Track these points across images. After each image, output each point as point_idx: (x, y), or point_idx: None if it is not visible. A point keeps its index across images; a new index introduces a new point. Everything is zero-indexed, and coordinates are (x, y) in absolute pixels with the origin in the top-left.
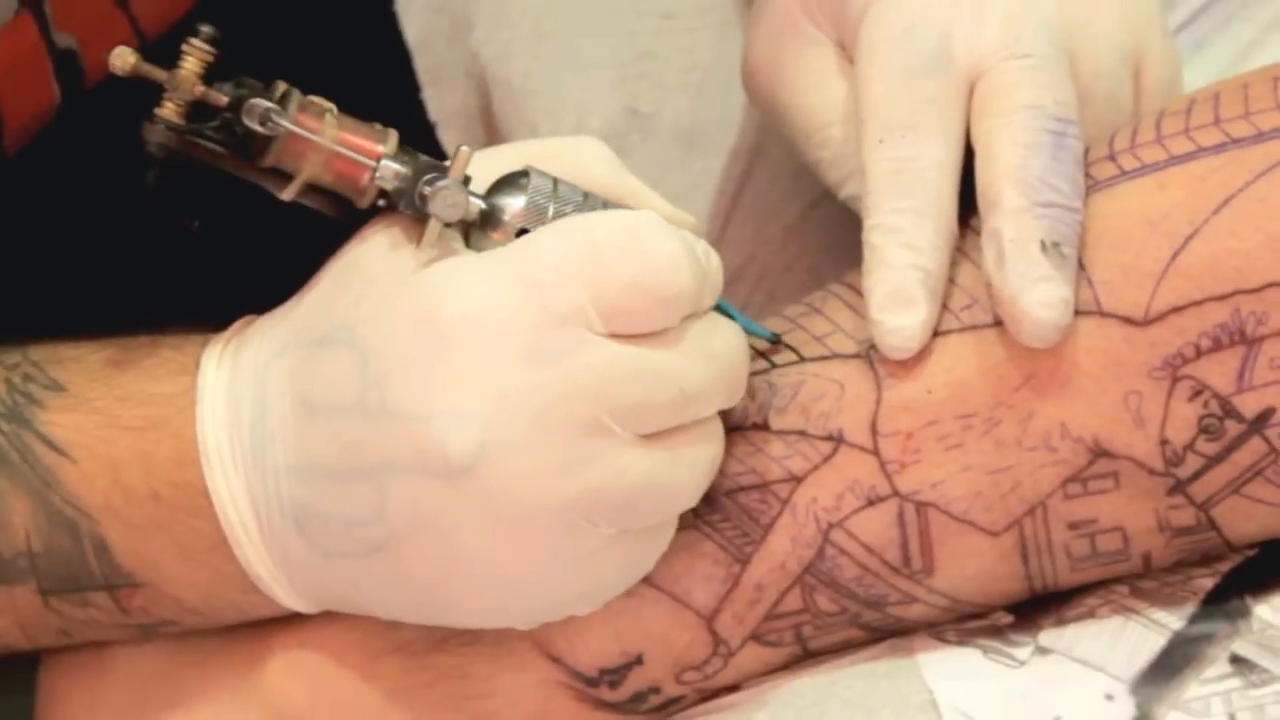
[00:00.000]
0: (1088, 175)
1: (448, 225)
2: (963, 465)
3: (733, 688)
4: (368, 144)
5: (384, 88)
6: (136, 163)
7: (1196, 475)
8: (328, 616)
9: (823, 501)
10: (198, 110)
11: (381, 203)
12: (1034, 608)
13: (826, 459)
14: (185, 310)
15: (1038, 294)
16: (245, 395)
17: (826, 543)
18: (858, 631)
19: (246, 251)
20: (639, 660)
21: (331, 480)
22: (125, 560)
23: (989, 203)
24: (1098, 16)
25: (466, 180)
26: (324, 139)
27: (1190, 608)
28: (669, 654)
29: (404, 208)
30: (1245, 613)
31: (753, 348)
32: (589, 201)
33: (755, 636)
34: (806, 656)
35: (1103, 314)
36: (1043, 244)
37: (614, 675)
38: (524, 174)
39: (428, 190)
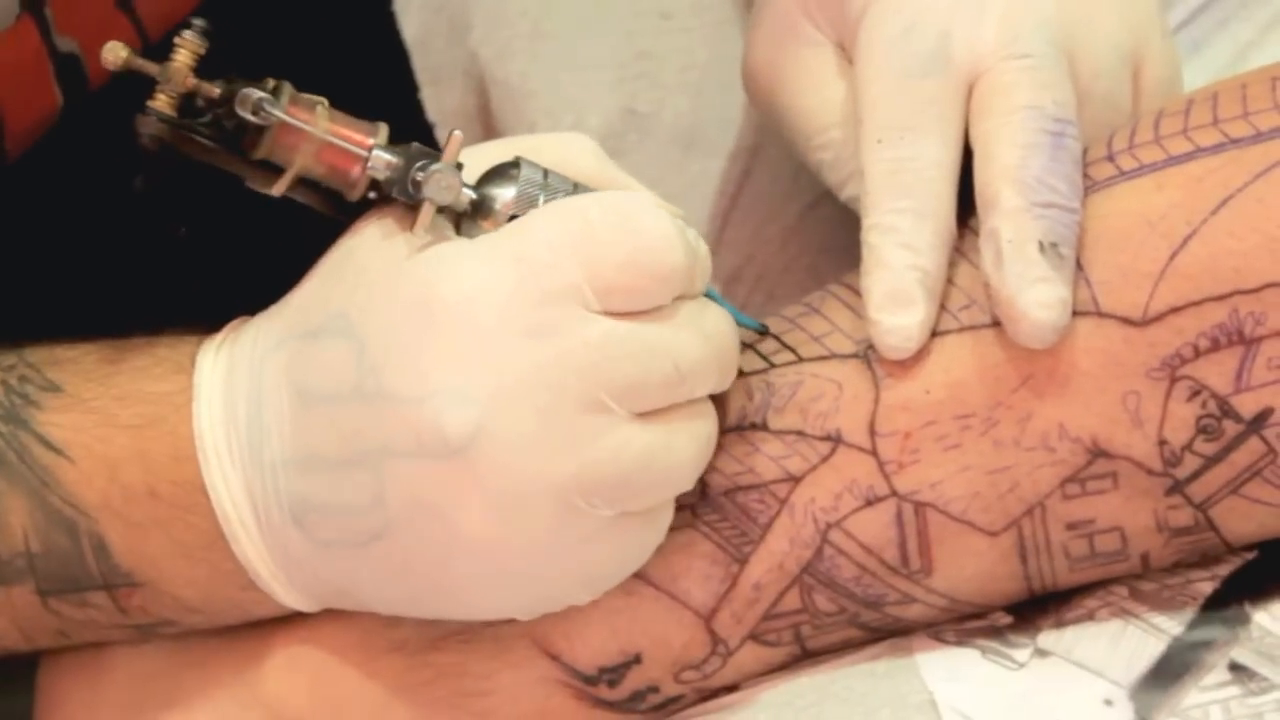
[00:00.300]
0: (1086, 175)
1: (440, 211)
2: (961, 465)
3: (732, 688)
4: (359, 135)
5: (382, 88)
6: (132, 167)
7: (1195, 475)
8: (327, 615)
9: (821, 501)
10: (190, 107)
11: (372, 195)
12: (1033, 609)
13: (825, 459)
14: (180, 314)
15: (1035, 295)
16: (241, 390)
17: (825, 543)
18: (856, 631)
19: (238, 255)
20: (637, 659)
21: (329, 470)
22: (124, 559)
23: (987, 203)
24: (1097, 16)
25: (459, 166)
26: (316, 129)
27: (1189, 613)
28: (667, 653)
29: (397, 194)
30: (1244, 620)
31: (744, 343)
32: (579, 191)
33: (754, 636)
34: (805, 656)
35: (1101, 314)
36: (1041, 244)
37: (612, 674)
38: (515, 164)
39: (420, 176)
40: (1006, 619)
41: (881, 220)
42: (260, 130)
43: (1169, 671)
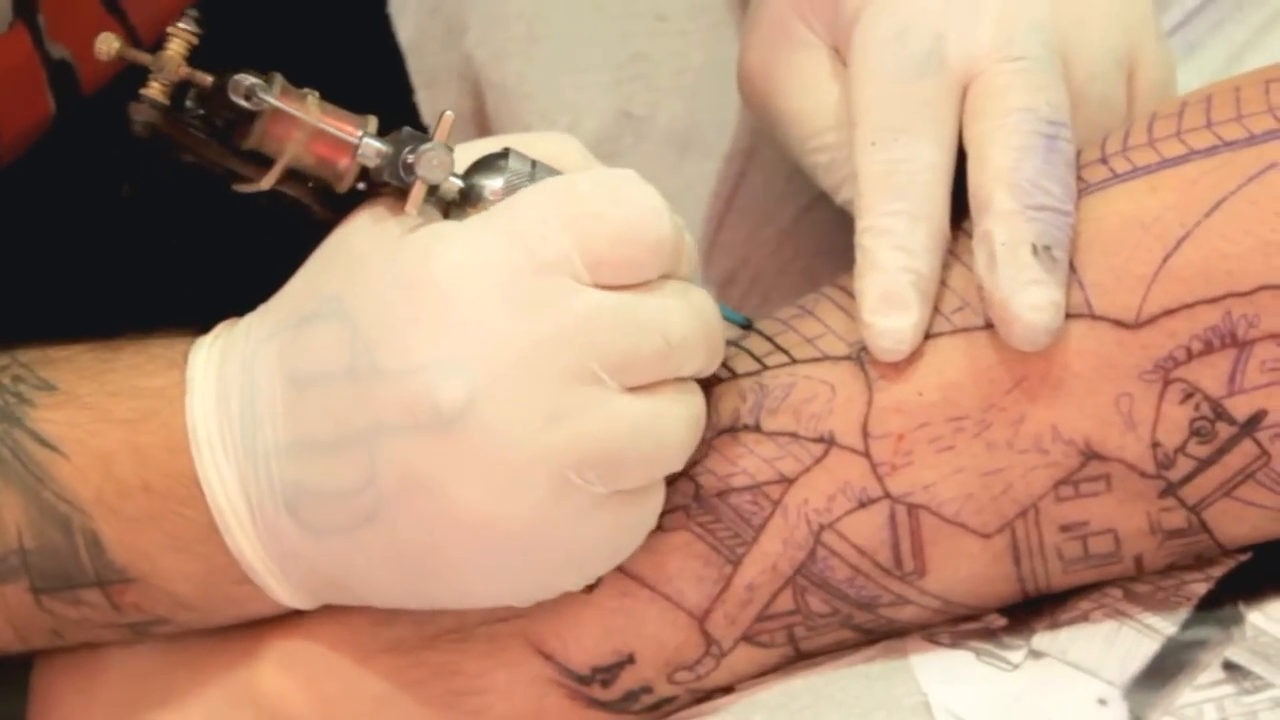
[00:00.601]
0: (1080, 178)
1: (430, 196)
2: (954, 467)
3: (726, 689)
4: (349, 126)
5: (378, 90)
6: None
7: (1188, 478)
8: (321, 615)
9: (814, 503)
10: (183, 99)
11: (361, 186)
12: (1027, 610)
13: (818, 461)
14: (173, 317)
15: (1029, 297)
16: (234, 381)
17: (818, 544)
18: (850, 633)
19: (229, 260)
20: (631, 659)
21: (322, 453)
22: (118, 555)
23: (980, 205)
24: (1091, 19)
25: (450, 148)
26: (308, 116)
27: (1184, 613)
28: (661, 654)
29: (388, 177)
30: (1238, 619)
31: (737, 344)
32: None
33: (747, 637)
34: (799, 658)
35: (1094, 317)
36: (1034, 247)
37: (606, 674)
38: (503, 155)
39: (412, 157)
40: (1001, 621)
41: (875, 223)
42: (251, 118)
43: (1163, 671)
